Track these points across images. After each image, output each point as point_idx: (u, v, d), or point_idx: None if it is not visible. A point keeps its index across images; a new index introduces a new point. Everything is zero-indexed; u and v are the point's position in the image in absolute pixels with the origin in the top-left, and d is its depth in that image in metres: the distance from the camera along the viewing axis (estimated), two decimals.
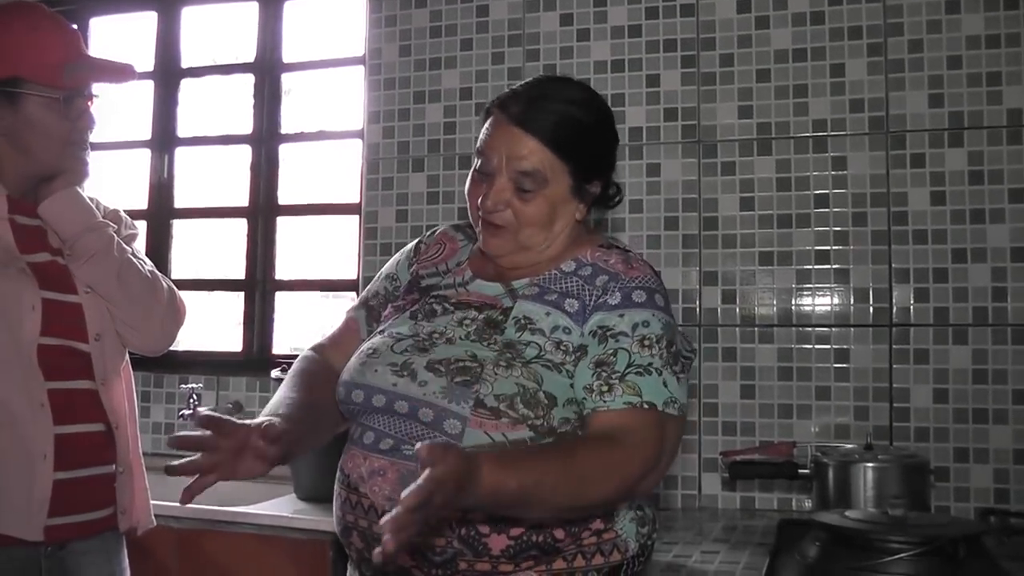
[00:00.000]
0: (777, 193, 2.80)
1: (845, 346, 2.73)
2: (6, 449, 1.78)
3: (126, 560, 2.04)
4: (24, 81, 1.86)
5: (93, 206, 1.98)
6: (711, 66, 2.88)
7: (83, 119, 1.94)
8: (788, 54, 2.82)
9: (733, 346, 2.80)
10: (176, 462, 1.42)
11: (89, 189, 2.01)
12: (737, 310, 2.82)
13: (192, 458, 1.46)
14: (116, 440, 1.95)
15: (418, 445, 1.24)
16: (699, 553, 2.11)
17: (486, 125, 1.71)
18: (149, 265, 2.04)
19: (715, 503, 2.78)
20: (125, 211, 2.12)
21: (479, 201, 1.69)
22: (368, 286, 1.93)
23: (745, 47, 2.86)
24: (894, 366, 2.69)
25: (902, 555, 1.65)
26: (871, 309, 2.72)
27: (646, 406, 1.53)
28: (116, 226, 2.01)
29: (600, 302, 1.63)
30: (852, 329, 2.73)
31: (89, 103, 1.96)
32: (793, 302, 2.78)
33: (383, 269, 1.93)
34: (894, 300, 2.70)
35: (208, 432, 1.46)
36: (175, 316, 2.05)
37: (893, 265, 2.71)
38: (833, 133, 2.78)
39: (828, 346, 2.74)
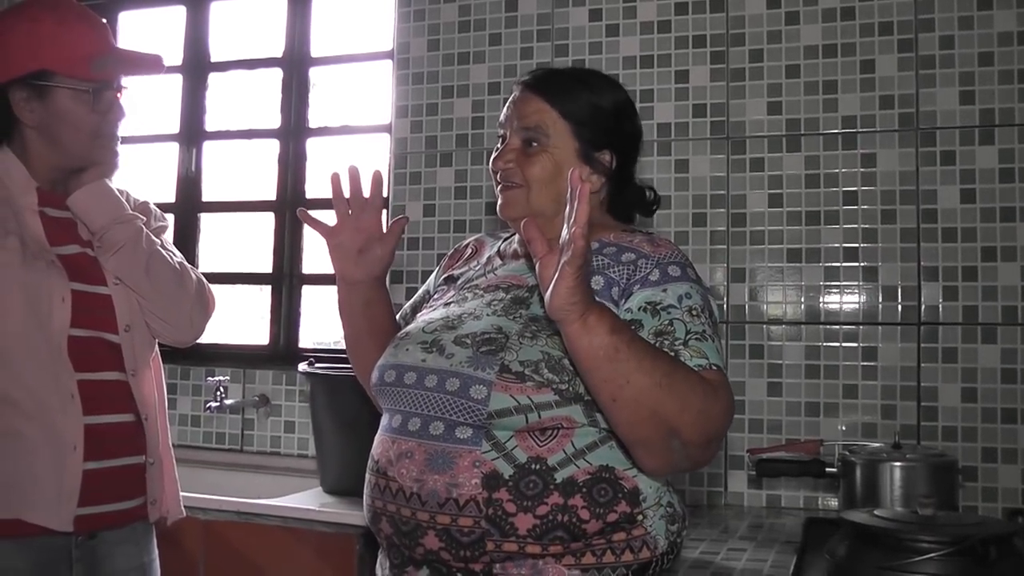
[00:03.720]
0: (805, 190, 2.79)
1: (873, 344, 2.71)
2: (36, 440, 1.80)
3: (156, 550, 2.06)
4: (53, 74, 1.87)
5: (122, 198, 1.99)
6: (740, 62, 2.87)
7: (113, 111, 1.95)
8: (818, 50, 2.81)
9: (760, 343, 2.79)
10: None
11: (118, 182, 2.03)
12: (765, 307, 2.81)
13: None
14: (146, 431, 1.96)
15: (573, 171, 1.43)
16: (726, 551, 2.10)
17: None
18: (179, 257, 2.06)
19: (741, 500, 2.77)
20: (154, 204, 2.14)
21: (491, 164, 1.81)
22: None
23: (775, 43, 2.84)
24: (922, 365, 2.67)
25: (932, 555, 1.64)
26: (899, 307, 2.70)
27: (714, 367, 1.56)
28: (145, 218, 2.02)
29: (640, 278, 1.66)
30: (880, 327, 2.71)
31: (118, 95, 1.97)
32: (821, 300, 2.77)
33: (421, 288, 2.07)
34: (923, 298, 2.68)
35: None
36: (204, 307, 2.07)
37: (922, 263, 2.69)
38: (863, 130, 2.76)
39: (856, 344, 2.73)
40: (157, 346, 2.07)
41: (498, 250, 1.90)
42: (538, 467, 1.57)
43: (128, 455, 1.93)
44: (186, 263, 2.07)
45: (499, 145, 1.82)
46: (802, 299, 2.78)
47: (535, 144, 1.76)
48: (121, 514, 1.92)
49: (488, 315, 1.70)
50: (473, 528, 1.56)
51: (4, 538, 1.77)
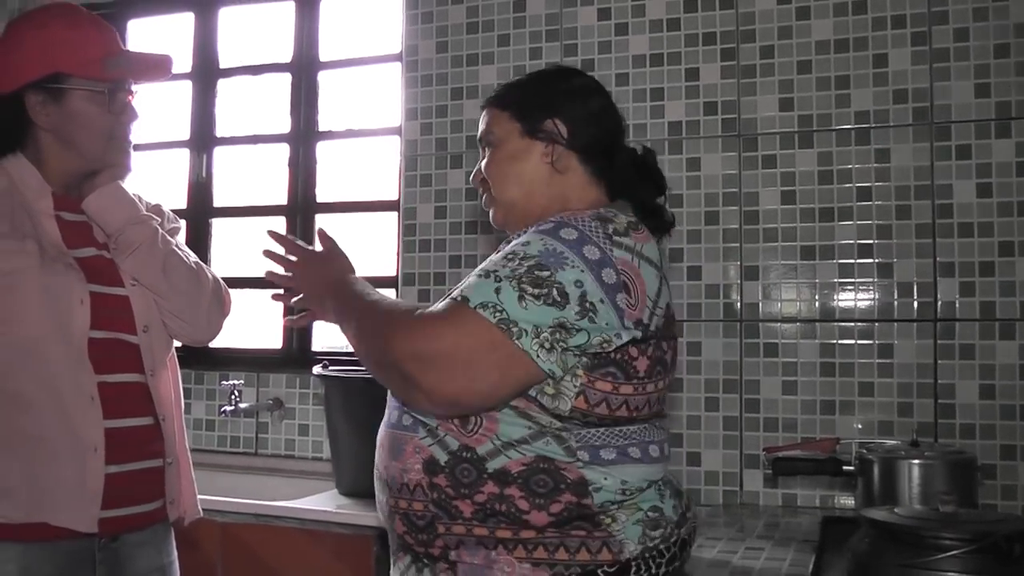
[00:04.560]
0: (819, 186, 2.77)
1: (889, 341, 2.69)
2: (58, 443, 1.80)
3: (175, 551, 2.06)
4: (67, 76, 1.88)
5: (136, 200, 1.99)
6: (751, 58, 2.85)
7: (126, 112, 1.96)
8: (830, 45, 2.79)
9: (775, 341, 2.77)
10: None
11: (130, 186, 2.03)
12: (778, 305, 2.79)
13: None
14: (164, 432, 1.97)
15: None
16: (743, 550, 2.08)
17: None
18: (193, 257, 2.06)
19: (756, 499, 2.75)
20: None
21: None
22: None
23: (785, 38, 2.83)
24: (939, 362, 2.65)
25: (955, 552, 1.62)
26: (915, 304, 2.68)
27: (460, 299, 1.54)
28: (159, 219, 2.03)
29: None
30: (896, 324, 2.69)
31: (131, 98, 1.97)
32: (835, 297, 2.75)
33: None
34: (939, 294, 2.66)
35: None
36: (220, 306, 2.08)
37: (938, 259, 2.66)
38: (876, 125, 2.74)
39: (871, 341, 2.71)
40: (173, 347, 2.08)
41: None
42: (469, 455, 1.58)
43: (148, 458, 1.93)
44: (202, 263, 2.08)
45: None
46: (816, 296, 2.76)
47: (489, 148, 1.81)
48: (142, 516, 1.93)
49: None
50: (424, 512, 1.60)
51: (30, 541, 1.78)
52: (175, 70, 2.06)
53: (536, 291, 1.52)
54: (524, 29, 3.10)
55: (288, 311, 2.09)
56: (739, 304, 2.82)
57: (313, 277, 1.83)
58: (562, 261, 1.55)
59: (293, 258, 1.87)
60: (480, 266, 1.62)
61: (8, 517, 1.77)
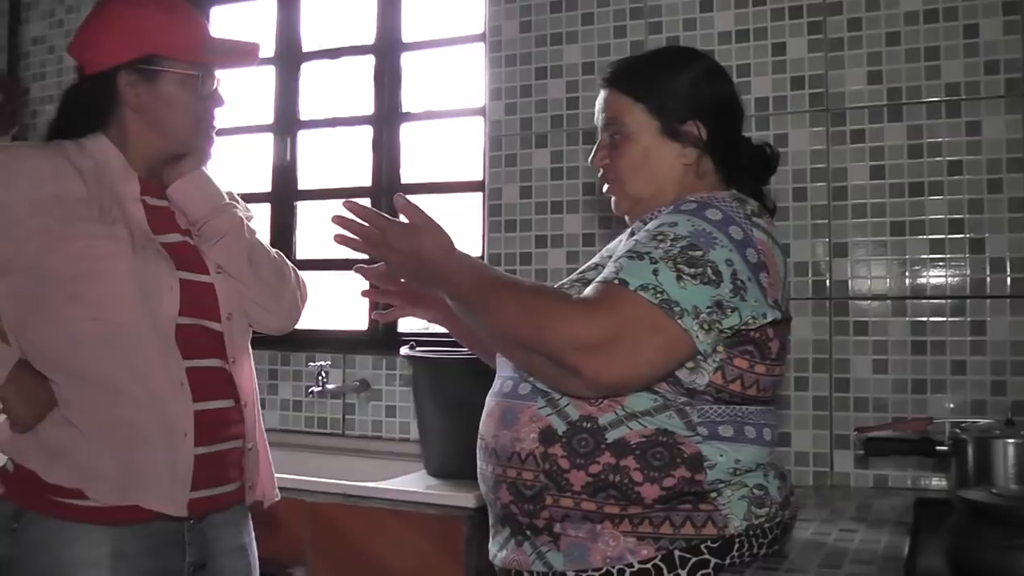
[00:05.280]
0: (908, 161, 2.72)
1: (981, 318, 2.64)
2: (150, 428, 1.83)
3: (252, 531, 2.09)
4: (162, 58, 1.90)
5: (221, 189, 2.02)
6: (838, 31, 2.80)
7: (215, 98, 1.98)
8: (919, 15, 2.72)
9: (865, 320, 2.74)
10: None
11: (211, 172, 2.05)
12: (868, 282, 2.75)
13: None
14: (245, 417, 1.99)
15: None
16: (837, 531, 2.06)
17: None
18: (273, 250, 2.10)
19: (847, 480, 2.72)
20: (246, 194, 2.17)
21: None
22: None
23: (873, 10, 2.77)
24: None
25: None
26: (1008, 280, 2.62)
27: (616, 281, 1.54)
28: (242, 206, 2.05)
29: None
30: (988, 300, 2.63)
31: (217, 84, 2.00)
32: (926, 273, 2.70)
33: None
34: None
35: None
36: (301, 295, 2.11)
37: None
38: (967, 97, 2.68)
39: (963, 318, 2.65)
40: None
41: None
42: (589, 425, 1.60)
43: (230, 440, 1.96)
44: (280, 253, 2.11)
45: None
46: (906, 273, 2.71)
47: (618, 136, 1.79)
48: (224, 497, 1.96)
49: (578, 285, 1.78)
50: (534, 482, 1.62)
51: (121, 524, 1.81)
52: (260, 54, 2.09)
53: (692, 271, 1.53)
54: (608, 7, 3.08)
55: (374, 305, 2.10)
56: (828, 282, 2.78)
57: (404, 250, 1.66)
58: (712, 241, 1.57)
59: (368, 225, 1.71)
60: (626, 248, 1.63)
61: (101, 501, 1.80)
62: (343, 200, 1.72)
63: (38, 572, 1.80)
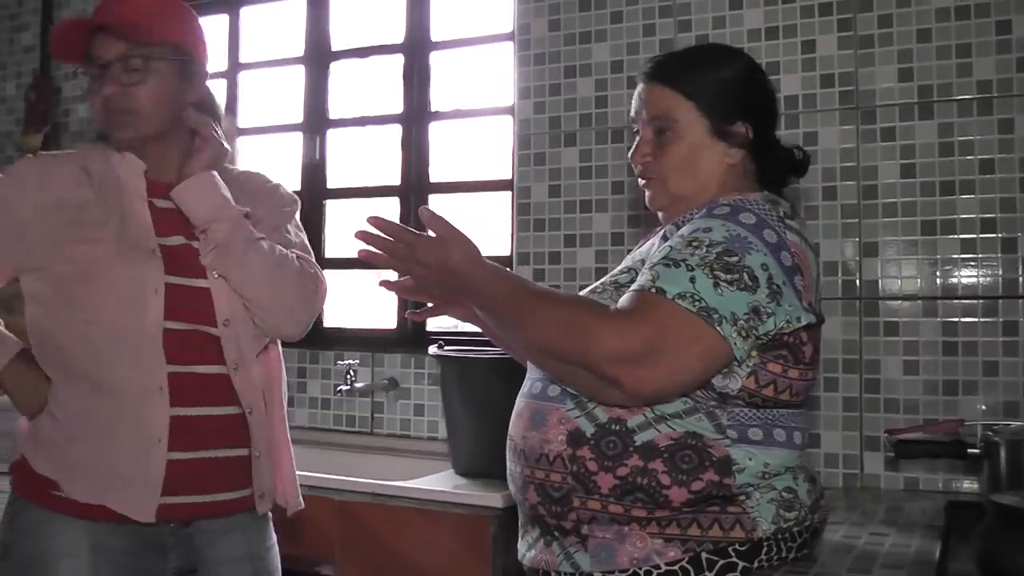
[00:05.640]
0: (940, 159, 2.69)
1: (1014, 319, 2.60)
2: (123, 431, 1.83)
3: (270, 540, 2.06)
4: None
5: (227, 192, 1.94)
6: (869, 28, 2.78)
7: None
8: (950, 12, 2.69)
9: (895, 320, 2.71)
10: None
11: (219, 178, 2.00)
12: (899, 282, 2.72)
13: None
14: (250, 424, 1.95)
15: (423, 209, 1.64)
16: (867, 535, 2.05)
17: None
18: (296, 247, 2.04)
19: (877, 483, 2.69)
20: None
21: (630, 159, 1.85)
22: None
23: (904, 7, 2.74)
24: None
25: None
26: None
27: (653, 290, 1.53)
28: (249, 210, 1.97)
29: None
30: (1021, 301, 2.60)
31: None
32: (958, 273, 2.67)
33: None
34: None
35: None
36: (308, 300, 1.99)
37: None
38: (999, 95, 2.64)
39: (995, 319, 2.62)
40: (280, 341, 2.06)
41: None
42: (618, 428, 1.60)
43: (228, 447, 1.93)
44: (295, 254, 2.01)
45: (636, 140, 1.84)
46: (938, 273, 2.69)
47: (667, 133, 1.77)
48: (220, 504, 1.93)
49: (610, 290, 1.76)
50: (562, 484, 1.63)
51: (98, 520, 1.83)
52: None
53: (729, 277, 1.53)
54: (637, 5, 3.07)
55: (405, 304, 2.09)
56: (858, 281, 2.76)
57: (432, 263, 1.63)
58: (747, 246, 1.57)
59: (394, 240, 1.69)
60: (661, 255, 1.62)
61: (74, 495, 1.83)
62: (368, 216, 1.68)
63: (26, 558, 1.85)
